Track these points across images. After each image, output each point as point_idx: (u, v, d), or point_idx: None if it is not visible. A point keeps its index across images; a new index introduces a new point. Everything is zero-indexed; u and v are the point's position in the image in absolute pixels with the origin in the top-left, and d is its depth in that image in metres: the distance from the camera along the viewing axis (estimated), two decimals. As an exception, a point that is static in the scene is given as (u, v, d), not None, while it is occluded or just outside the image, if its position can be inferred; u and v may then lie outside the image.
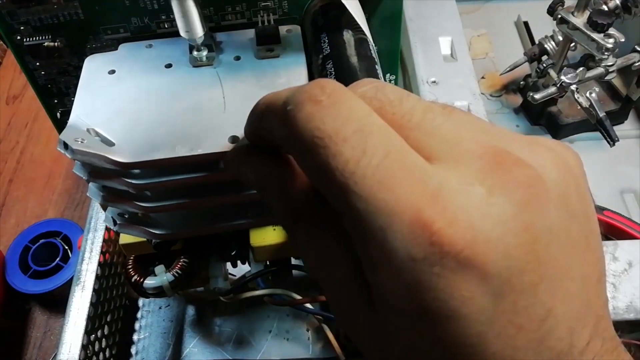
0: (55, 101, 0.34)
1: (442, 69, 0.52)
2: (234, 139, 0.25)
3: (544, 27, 0.62)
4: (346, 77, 0.26)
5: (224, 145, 0.25)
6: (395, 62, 0.36)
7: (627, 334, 0.40)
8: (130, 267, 0.37)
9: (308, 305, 0.47)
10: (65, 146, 0.24)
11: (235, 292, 0.43)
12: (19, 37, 0.31)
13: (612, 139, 0.50)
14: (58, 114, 0.35)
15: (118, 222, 0.29)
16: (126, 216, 0.29)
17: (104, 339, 0.51)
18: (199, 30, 0.28)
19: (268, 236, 0.35)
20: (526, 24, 0.68)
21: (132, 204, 0.26)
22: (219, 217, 0.29)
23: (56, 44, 0.31)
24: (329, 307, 0.51)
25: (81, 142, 0.24)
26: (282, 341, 0.56)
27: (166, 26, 0.31)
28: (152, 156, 0.25)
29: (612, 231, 0.50)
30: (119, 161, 0.25)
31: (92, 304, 0.47)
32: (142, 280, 0.36)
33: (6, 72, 0.77)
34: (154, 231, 0.28)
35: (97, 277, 0.48)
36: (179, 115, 0.27)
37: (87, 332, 0.46)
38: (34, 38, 0.31)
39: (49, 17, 0.30)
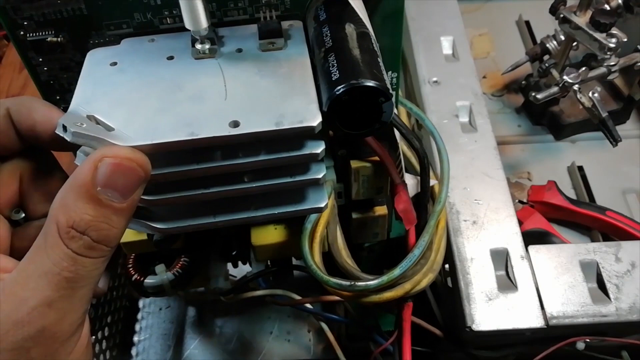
0: (58, 97, 0.34)
1: (443, 68, 0.52)
2: (235, 124, 0.25)
3: (545, 27, 0.62)
4: (348, 69, 0.26)
5: (225, 130, 0.25)
6: (397, 60, 0.36)
7: (630, 335, 0.39)
8: (130, 266, 0.36)
9: (309, 305, 0.46)
10: (65, 129, 0.24)
11: (236, 292, 0.42)
12: (22, 32, 0.31)
13: (614, 139, 0.50)
14: (60, 110, 0.34)
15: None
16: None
17: (104, 341, 0.50)
18: (203, 22, 0.28)
19: (269, 235, 0.35)
20: (528, 23, 0.68)
21: None
22: (222, 210, 0.29)
23: (59, 39, 0.31)
24: (330, 308, 0.51)
25: (80, 125, 0.24)
26: (283, 342, 0.56)
27: (169, 22, 0.31)
28: (151, 140, 0.25)
29: (615, 232, 0.50)
30: (118, 144, 0.24)
31: (92, 305, 0.47)
32: (142, 279, 0.36)
33: (5, 72, 0.77)
34: (155, 225, 0.27)
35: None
36: (179, 104, 0.27)
37: (88, 332, 0.45)
38: (37, 33, 0.31)
39: (52, 12, 0.30)
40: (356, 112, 0.26)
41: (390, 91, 0.26)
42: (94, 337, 0.48)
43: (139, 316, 0.59)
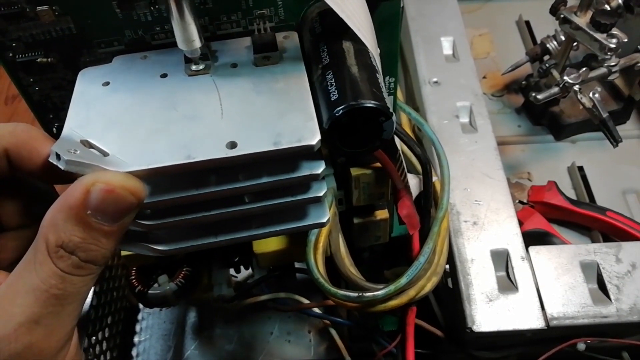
0: (51, 116, 0.33)
1: (444, 69, 0.51)
2: (232, 145, 0.25)
3: (545, 27, 0.62)
4: (347, 89, 0.26)
5: (222, 152, 0.25)
6: (394, 64, 0.35)
7: (631, 336, 0.40)
8: (133, 277, 0.36)
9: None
10: (58, 157, 0.24)
11: (239, 298, 0.42)
12: (11, 54, 0.30)
13: (615, 140, 0.50)
14: (54, 129, 0.34)
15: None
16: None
17: (104, 342, 0.50)
18: (197, 42, 0.27)
19: (271, 242, 0.35)
20: (528, 23, 0.68)
21: (133, 221, 0.26)
22: (223, 230, 0.28)
23: (49, 59, 0.30)
24: (332, 309, 0.51)
25: (74, 152, 0.24)
26: (284, 343, 0.56)
27: (161, 37, 0.31)
28: (147, 165, 0.24)
29: (615, 232, 0.50)
30: (111, 170, 0.24)
31: (92, 306, 0.47)
32: (145, 290, 0.36)
33: (5, 72, 0.77)
34: (156, 247, 0.27)
35: (98, 280, 0.48)
36: (175, 124, 0.26)
37: (88, 334, 0.45)
38: (27, 54, 0.30)
39: (40, 33, 0.29)
40: (356, 132, 0.26)
41: (390, 110, 0.26)
42: (94, 337, 0.48)
43: (139, 317, 0.59)
